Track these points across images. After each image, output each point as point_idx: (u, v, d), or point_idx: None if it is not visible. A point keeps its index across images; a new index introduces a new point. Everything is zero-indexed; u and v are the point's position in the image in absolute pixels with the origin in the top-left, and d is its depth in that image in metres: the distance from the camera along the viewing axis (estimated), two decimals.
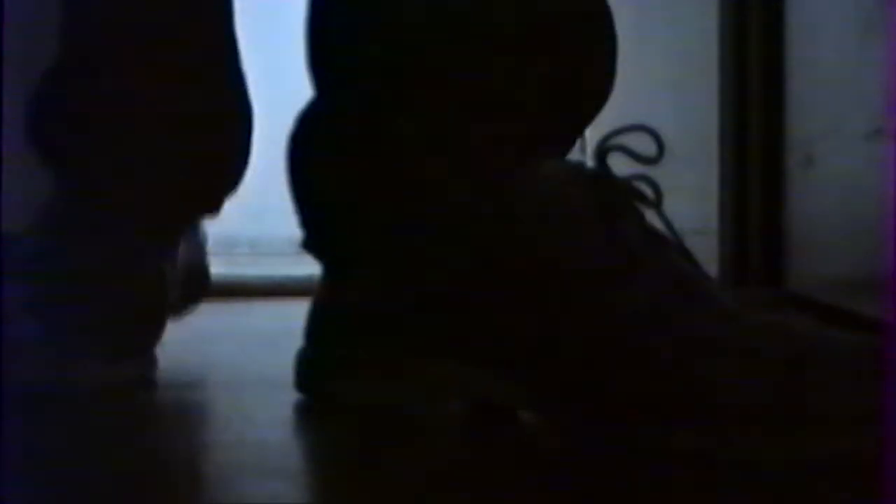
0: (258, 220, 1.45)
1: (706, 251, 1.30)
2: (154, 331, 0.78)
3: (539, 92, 0.67)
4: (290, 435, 0.66)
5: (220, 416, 0.72)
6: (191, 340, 0.92)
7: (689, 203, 1.30)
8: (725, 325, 0.59)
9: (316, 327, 0.72)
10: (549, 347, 0.61)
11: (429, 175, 0.67)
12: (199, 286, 0.87)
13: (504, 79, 0.66)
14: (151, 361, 0.79)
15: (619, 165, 0.64)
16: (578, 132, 0.69)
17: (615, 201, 0.63)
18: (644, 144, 0.62)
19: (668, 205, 0.63)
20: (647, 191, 0.63)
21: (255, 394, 0.75)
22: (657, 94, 1.44)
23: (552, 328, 0.61)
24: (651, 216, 0.63)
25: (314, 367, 0.71)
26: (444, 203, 0.66)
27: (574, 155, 0.70)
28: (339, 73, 0.71)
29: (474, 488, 0.53)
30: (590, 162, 0.65)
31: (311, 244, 0.72)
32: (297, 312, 0.74)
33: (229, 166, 0.81)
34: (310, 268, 0.75)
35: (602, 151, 0.63)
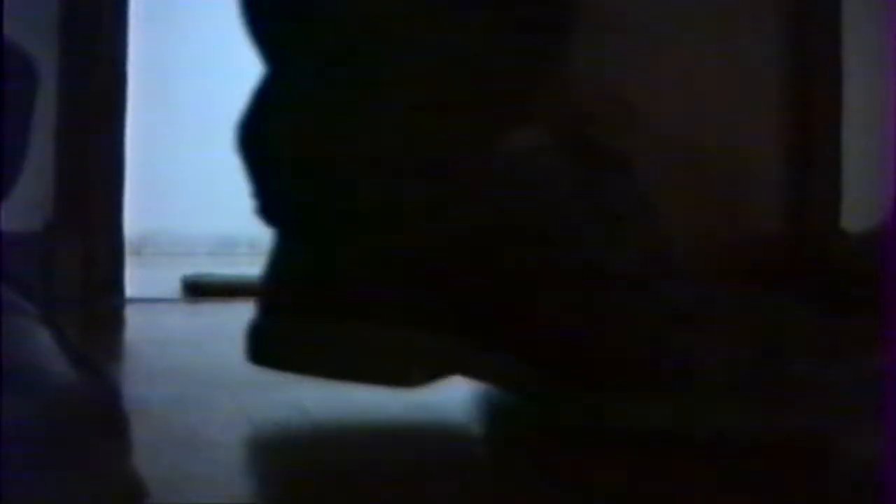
0: (258, 220, 1.45)
1: None
2: None
3: (502, 52, 0.65)
4: (290, 435, 0.66)
5: (220, 415, 0.72)
6: (191, 340, 0.92)
7: None
8: (704, 296, 0.60)
9: (269, 296, 0.69)
10: (522, 317, 0.61)
11: (387, 143, 0.65)
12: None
13: (467, 42, 0.65)
14: None
15: None
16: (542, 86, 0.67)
17: (601, 166, 0.63)
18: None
19: None
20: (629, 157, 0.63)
21: (254, 393, 0.75)
22: None
23: (528, 298, 0.61)
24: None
25: (268, 338, 0.69)
26: (402, 171, 0.64)
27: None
28: (288, 44, 0.69)
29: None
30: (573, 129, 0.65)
31: (265, 211, 0.71)
32: None
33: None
34: None
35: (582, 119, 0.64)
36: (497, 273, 0.62)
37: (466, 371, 0.64)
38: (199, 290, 1.48)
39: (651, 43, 1.33)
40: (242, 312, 0.70)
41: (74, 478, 0.47)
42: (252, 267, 1.50)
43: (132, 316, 1.26)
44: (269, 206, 0.70)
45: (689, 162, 1.36)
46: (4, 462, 0.46)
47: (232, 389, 0.78)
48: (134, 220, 1.47)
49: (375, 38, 0.65)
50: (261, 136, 0.70)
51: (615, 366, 0.59)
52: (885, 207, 1.23)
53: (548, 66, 0.67)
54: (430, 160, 0.64)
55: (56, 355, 0.55)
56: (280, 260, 0.69)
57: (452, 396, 0.68)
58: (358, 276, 0.65)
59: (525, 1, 0.66)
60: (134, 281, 1.43)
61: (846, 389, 0.57)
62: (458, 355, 0.63)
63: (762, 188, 1.37)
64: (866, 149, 1.34)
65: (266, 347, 0.69)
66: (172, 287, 1.50)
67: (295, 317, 0.67)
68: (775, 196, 1.37)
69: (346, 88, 0.66)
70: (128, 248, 1.43)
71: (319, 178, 0.67)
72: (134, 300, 1.38)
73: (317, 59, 0.68)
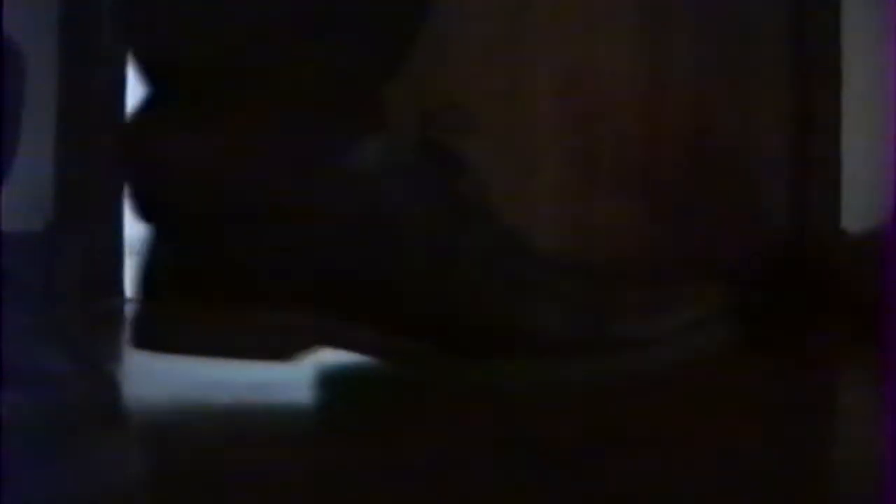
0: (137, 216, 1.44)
1: None
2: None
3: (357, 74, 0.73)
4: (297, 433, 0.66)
5: (220, 414, 0.72)
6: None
7: None
8: (537, 269, 0.72)
9: (152, 284, 0.75)
10: (385, 294, 0.71)
11: (251, 153, 0.73)
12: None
13: (318, 57, 0.72)
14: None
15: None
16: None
17: (445, 164, 0.74)
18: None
19: None
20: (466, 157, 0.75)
21: (255, 393, 0.75)
22: None
23: (390, 279, 0.71)
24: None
25: (152, 322, 0.74)
26: (265, 177, 0.72)
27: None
28: (161, 63, 0.76)
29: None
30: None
31: (143, 212, 0.77)
32: None
33: None
34: None
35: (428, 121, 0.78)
36: (361, 261, 0.71)
37: (338, 344, 0.72)
38: None
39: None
40: None
41: (75, 472, 0.47)
42: None
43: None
44: (146, 204, 0.77)
45: (689, 162, 1.36)
46: (5, 456, 0.47)
47: (231, 389, 0.78)
48: (134, 220, 1.47)
49: (234, 57, 0.73)
50: (144, 148, 0.76)
51: (467, 332, 0.70)
52: (885, 207, 1.23)
53: (391, 77, 0.76)
54: (293, 163, 0.72)
55: (57, 352, 0.55)
56: (156, 252, 0.75)
57: (294, 376, 0.75)
58: (231, 262, 0.72)
59: (370, 17, 0.74)
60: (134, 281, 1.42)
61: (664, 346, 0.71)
62: (327, 331, 0.72)
63: (762, 188, 1.37)
64: (866, 149, 1.34)
65: (147, 332, 0.74)
66: None
67: (173, 302, 0.73)
68: (775, 196, 1.37)
69: (213, 104, 0.73)
70: (128, 248, 1.43)
71: (196, 179, 0.74)
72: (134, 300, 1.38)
73: (184, 76, 0.74)
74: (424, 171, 0.73)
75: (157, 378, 0.76)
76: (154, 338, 0.73)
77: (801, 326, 1.18)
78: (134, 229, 1.53)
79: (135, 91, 1.47)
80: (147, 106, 0.77)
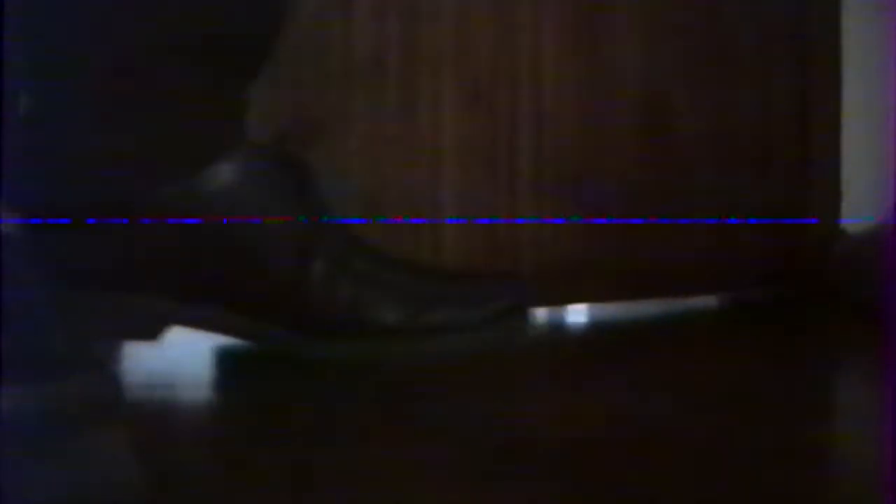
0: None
1: None
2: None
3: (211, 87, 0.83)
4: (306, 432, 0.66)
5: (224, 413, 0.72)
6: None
7: None
8: (377, 264, 0.85)
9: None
10: (250, 284, 0.83)
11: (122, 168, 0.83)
12: None
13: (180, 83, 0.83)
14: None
15: None
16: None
17: (300, 174, 0.85)
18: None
19: None
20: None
21: (257, 392, 0.75)
22: None
23: (256, 274, 0.83)
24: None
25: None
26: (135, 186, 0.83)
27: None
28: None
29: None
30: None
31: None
32: None
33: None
34: None
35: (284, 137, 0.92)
36: (227, 260, 0.83)
37: (199, 326, 0.86)
38: None
39: None
40: None
41: (73, 467, 0.47)
42: None
43: None
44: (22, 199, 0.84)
45: (690, 162, 1.36)
46: (3, 451, 0.46)
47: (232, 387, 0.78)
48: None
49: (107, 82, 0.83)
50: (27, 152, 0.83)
51: (317, 318, 0.83)
52: (885, 207, 1.23)
53: (245, 98, 0.86)
54: (164, 173, 0.83)
55: (58, 347, 0.55)
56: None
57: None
58: (111, 258, 0.83)
59: (224, 44, 0.84)
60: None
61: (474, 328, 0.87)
62: (189, 315, 0.85)
63: (762, 188, 1.37)
64: (866, 149, 1.34)
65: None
66: None
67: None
68: (775, 196, 1.37)
69: (90, 126, 0.83)
70: None
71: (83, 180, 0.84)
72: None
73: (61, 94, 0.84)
74: (279, 183, 0.85)
75: None
76: None
77: (801, 326, 1.18)
78: None
79: None
80: (29, 119, 0.84)
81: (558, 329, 1.18)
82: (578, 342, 1.11)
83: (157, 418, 0.71)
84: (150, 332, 0.85)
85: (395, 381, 0.82)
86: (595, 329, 1.18)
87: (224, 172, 0.83)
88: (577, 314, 1.24)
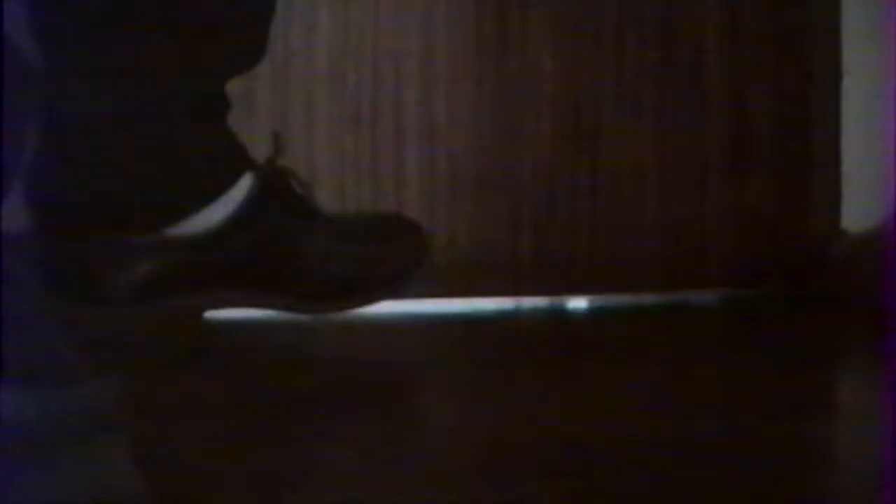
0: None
1: None
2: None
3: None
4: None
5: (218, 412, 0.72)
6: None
7: None
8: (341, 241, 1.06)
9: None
10: (267, 272, 1.03)
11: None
12: None
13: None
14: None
15: None
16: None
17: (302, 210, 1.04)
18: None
19: None
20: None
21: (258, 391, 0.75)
22: None
23: (270, 263, 1.04)
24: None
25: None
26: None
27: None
28: None
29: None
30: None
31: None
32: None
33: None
34: None
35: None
36: (248, 257, 1.03)
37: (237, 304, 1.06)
38: None
39: None
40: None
41: (75, 474, 0.47)
42: None
43: None
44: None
45: (689, 163, 1.36)
46: (4, 458, 0.46)
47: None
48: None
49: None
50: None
51: (313, 287, 1.04)
52: (885, 207, 1.23)
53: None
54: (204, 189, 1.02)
55: (58, 353, 0.55)
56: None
57: None
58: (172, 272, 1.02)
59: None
60: None
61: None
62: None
63: (762, 188, 1.37)
64: (866, 149, 1.34)
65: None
66: None
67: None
68: (775, 196, 1.37)
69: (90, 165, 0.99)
70: None
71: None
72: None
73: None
74: (281, 192, 1.04)
75: None
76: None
77: (801, 326, 1.18)
78: None
79: None
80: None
81: (559, 316, 1.18)
82: (578, 341, 1.11)
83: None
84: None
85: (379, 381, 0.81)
86: (594, 323, 1.18)
87: (250, 185, 1.03)
88: (578, 302, 1.24)
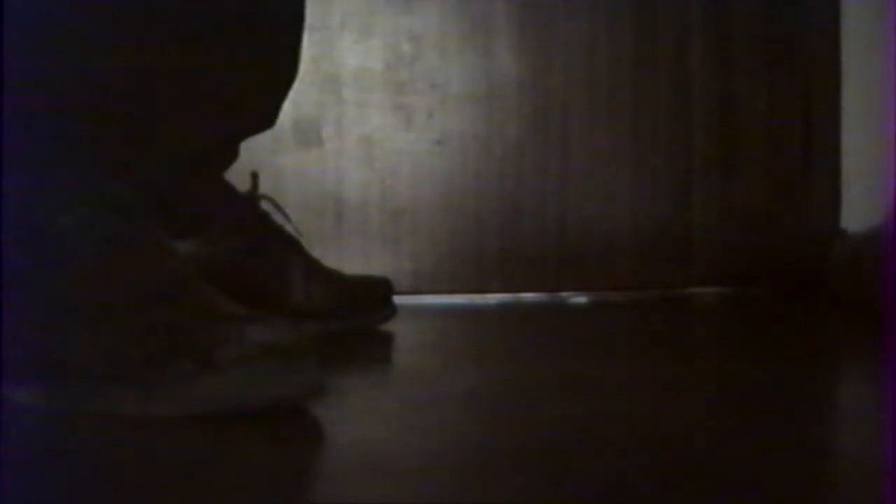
0: None
1: None
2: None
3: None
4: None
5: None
6: None
7: None
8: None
9: None
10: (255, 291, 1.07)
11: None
12: None
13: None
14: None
15: None
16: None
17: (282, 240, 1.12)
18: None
19: None
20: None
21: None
22: None
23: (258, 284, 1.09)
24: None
25: None
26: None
27: None
28: None
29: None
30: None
31: None
32: None
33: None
34: None
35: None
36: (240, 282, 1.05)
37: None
38: None
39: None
40: None
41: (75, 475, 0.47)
42: None
43: None
44: None
45: (689, 162, 1.36)
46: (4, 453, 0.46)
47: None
48: None
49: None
50: None
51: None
52: (885, 207, 1.23)
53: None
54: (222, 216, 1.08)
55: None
56: None
57: None
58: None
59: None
60: None
61: None
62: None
63: (762, 188, 1.37)
64: (866, 149, 1.34)
65: None
66: None
67: None
68: (775, 196, 1.37)
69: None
70: None
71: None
72: None
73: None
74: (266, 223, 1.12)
75: None
76: None
77: (801, 326, 1.18)
78: None
79: None
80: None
81: (560, 309, 1.18)
82: (577, 341, 1.11)
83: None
84: None
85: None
86: (594, 320, 1.19)
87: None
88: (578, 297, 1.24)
